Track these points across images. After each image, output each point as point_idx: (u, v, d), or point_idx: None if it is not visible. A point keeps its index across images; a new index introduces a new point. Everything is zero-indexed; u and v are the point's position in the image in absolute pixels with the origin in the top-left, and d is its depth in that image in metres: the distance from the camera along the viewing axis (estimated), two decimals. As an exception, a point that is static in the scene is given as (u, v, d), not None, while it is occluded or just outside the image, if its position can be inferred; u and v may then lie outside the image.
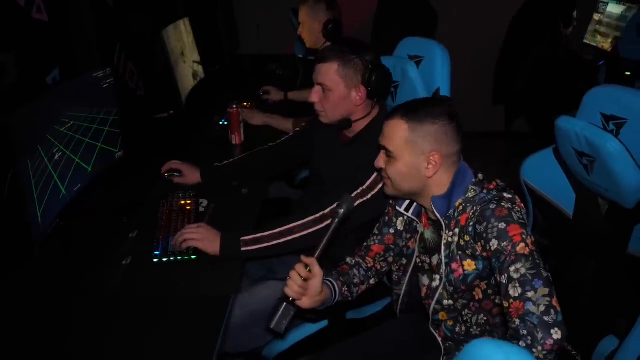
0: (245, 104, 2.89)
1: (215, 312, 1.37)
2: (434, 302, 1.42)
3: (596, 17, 3.96)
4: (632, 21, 3.26)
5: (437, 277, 1.40)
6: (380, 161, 1.39)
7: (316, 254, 1.33)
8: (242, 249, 1.60)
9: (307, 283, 1.31)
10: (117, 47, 2.51)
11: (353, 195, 1.65)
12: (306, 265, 1.32)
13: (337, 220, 1.34)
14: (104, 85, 1.88)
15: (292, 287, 1.30)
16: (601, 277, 1.51)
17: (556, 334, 1.09)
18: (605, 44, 3.79)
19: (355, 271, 1.54)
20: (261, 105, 3.00)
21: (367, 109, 1.77)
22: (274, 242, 1.61)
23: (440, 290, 1.39)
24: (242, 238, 1.61)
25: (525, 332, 1.10)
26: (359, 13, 4.10)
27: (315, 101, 1.76)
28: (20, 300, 1.45)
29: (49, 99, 1.60)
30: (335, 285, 1.45)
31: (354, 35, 2.39)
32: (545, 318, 1.10)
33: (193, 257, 1.58)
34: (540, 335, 1.08)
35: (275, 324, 1.27)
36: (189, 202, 1.87)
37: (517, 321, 1.12)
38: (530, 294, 1.13)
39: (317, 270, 1.31)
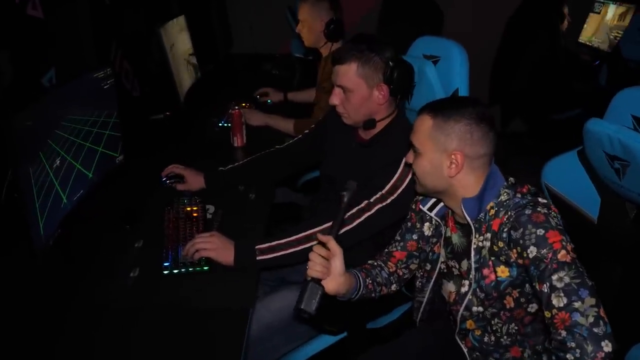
0: (243, 104, 2.81)
1: (234, 326, 1.30)
2: (462, 309, 1.36)
3: (592, 17, 3.96)
4: (634, 21, 3.26)
5: (467, 282, 1.35)
6: (409, 157, 1.36)
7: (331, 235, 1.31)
8: (258, 257, 1.52)
9: (328, 262, 1.29)
10: (112, 45, 2.40)
11: (372, 200, 1.59)
12: (324, 245, 1.30)
13: (343, 207, 1.33)
14: (105, 86, 1.78)
15: (314, 266, 1.28)
16: (629, 284, 1.47)
17: (607, 347, 1.04)
18: (602, 44, 3.79)
19: (377, 271, 1.50)
20: (260, 106, 2.92)
21: (390, 107, 1.71)
22: (291, 250, 1.54)
23: (469, 296, 1.34)
24: (258, 246, 1.53)
25: (573, 344, 1.05)
26: (357, 10, 4.04)
27: (337, 103, 1.70)
28: (24, 317, 1.35)
29: (49, 101, 1.50)
30: (360, 276, 1.42)
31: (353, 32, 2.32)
32: (595, 330, 1.06)
33: (205, 268, 1.50)
34: (590, 348, 1.04)
35: (305, 304, 1.23)
36: (195, 208, 1.78)
37: (564, 332, 1.08)
38: (577, 304, 1.08)
39: (335, 247, 1.29)
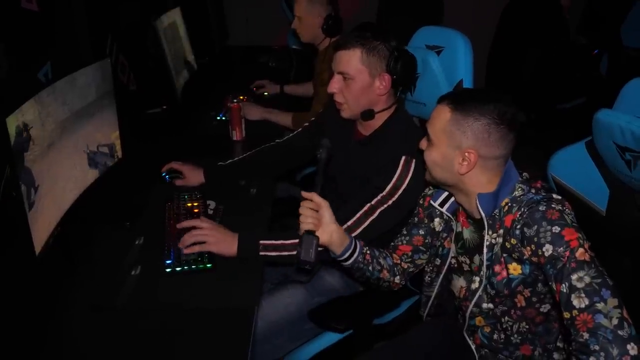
0: (241, 97, 2.77)
1: (240, 325, 1.27)
2: (471, 305, 1.34)
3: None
4: (636, 9, 3.22)
5: (477, 278, 1.32)
6: (423, 143, 1.33)
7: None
8: (261, 253, 1.50)
9: (318, 214, 1.37)
10: (108, 38, 2.36)
11: (373, 202, 1.56)
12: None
13: (321, 164, 1.42)
14: (102, 81, 1.74)
15: (306, 219, 1.36)
16: (638, 276, 1.45)
17: (632, 350, 1.00)
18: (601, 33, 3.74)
19: (382, 255, 1.49)
20: (257, 99, 2.89)
21: (390, 99, 1.65)
22: (295, 252, 1.49)
23: (479, 292, 1.31)
24: (262, 242, 1.51)
25: (597, 347, 1.01)
26: (353, 3, 4.00)
27: (335, 91, 1.63)
28: (23, 317, 1.32)
29: (47, 96, 1.46)
30: (357, 242, 1.44)
31: (348, 25, 2.28)
32: (620, 332, 1.01)
33: (209, 265, 1.47)
34: (615, 351, 1.00)
35: (304, 254, 1.30)
36: (196, 204, 1.75)
37: (586, 335, 1.03)
38: (599, 306, 1.04)
39: (319, 200, 1.38)
